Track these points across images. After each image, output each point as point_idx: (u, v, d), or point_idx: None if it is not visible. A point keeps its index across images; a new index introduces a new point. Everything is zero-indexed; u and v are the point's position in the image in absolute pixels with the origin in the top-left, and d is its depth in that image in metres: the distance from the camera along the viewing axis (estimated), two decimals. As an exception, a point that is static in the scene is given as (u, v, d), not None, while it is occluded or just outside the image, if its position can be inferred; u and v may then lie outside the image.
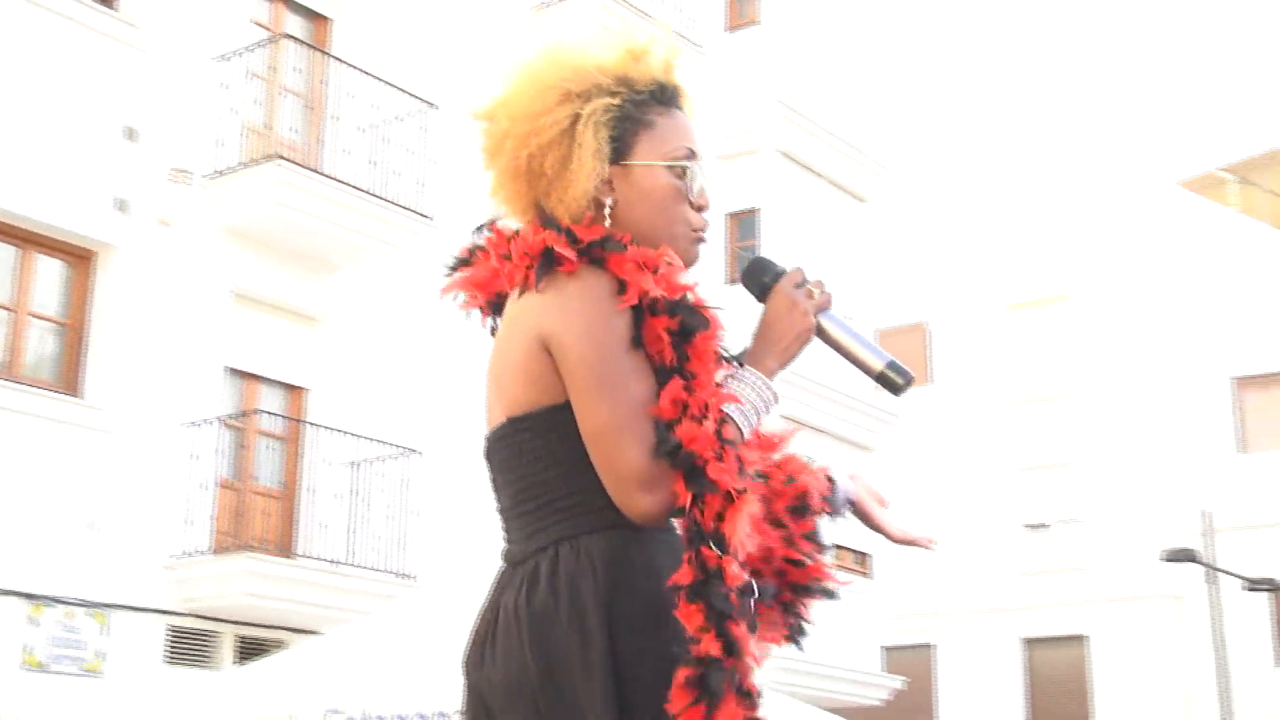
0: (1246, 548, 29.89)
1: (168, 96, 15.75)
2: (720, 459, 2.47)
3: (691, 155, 2.74)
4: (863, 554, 23.17)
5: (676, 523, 2.56)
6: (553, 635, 2.51)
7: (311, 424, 16.13)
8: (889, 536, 2.97)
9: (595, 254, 2.57)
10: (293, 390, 16.58)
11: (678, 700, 2.42)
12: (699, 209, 2.75)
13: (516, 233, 2.69)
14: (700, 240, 2.76)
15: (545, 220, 2.68)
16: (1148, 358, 31.34)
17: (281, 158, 15.72)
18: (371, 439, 16.33)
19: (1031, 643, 31.44)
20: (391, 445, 16.45)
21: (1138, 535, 30.39)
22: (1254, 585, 24.50)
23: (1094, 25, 35.40)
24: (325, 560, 15.73)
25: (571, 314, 2.54)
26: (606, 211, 2.68)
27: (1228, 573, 24.61)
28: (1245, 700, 29.49)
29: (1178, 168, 34.04)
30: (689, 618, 2.45)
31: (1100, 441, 31.51)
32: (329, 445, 16.18)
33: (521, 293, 2.64)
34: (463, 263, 2.80)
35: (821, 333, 2.74)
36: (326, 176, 16.14)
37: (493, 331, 2.75)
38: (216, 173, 15.82)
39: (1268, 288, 32.19)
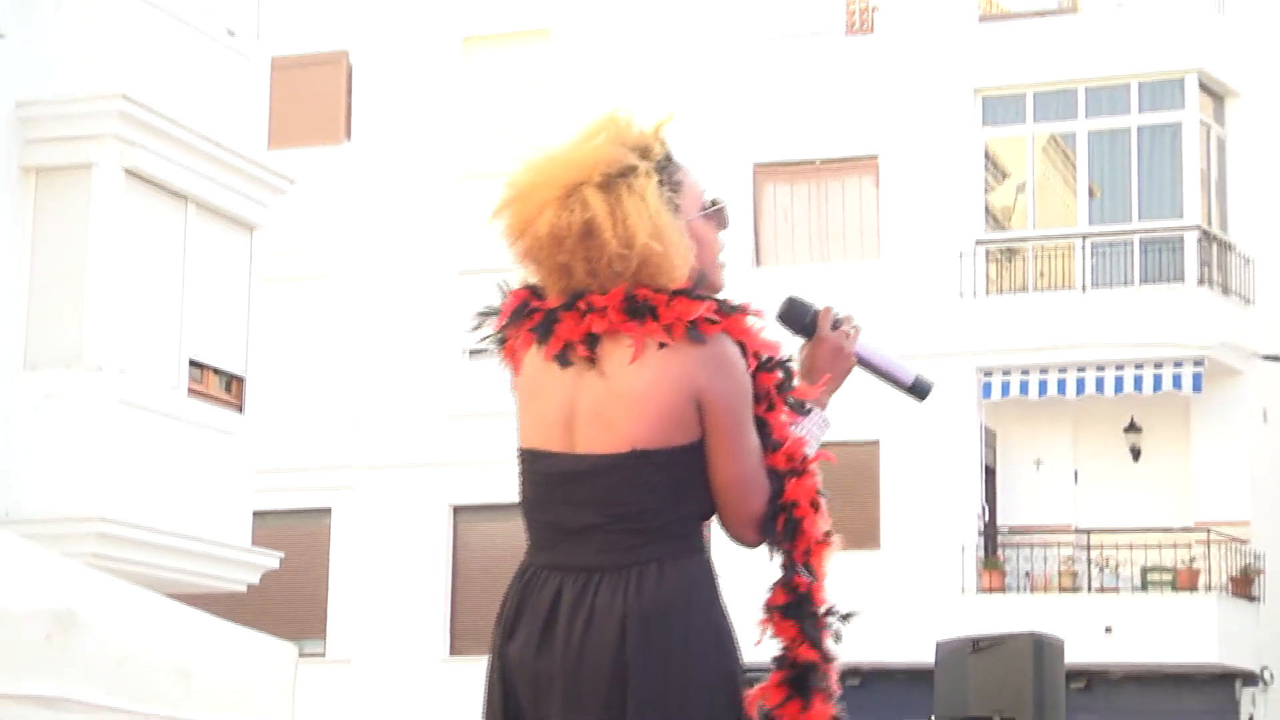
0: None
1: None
2: (815, 509, 3.20)
3: (708, 195, 3.33)
4: (234, 377, 16.59)
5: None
6: (665, 632, 3.11)
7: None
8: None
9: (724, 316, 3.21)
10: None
11: (773, 697, 3.13)
12: (722, 229, 3.38)
13: (638, 294, 3.18)
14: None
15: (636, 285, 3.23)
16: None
17: None
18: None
19: (461, 511, 25.55)
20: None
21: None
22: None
23: None
24: None
25: (726, 374, 3.17)
26: None
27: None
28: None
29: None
30: (783, 631, 3.16)
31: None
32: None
33: (663, 345, 3.17)
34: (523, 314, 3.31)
35: (861, 362, 3.45)
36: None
37: (561, 363, 3.22)
38: None
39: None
